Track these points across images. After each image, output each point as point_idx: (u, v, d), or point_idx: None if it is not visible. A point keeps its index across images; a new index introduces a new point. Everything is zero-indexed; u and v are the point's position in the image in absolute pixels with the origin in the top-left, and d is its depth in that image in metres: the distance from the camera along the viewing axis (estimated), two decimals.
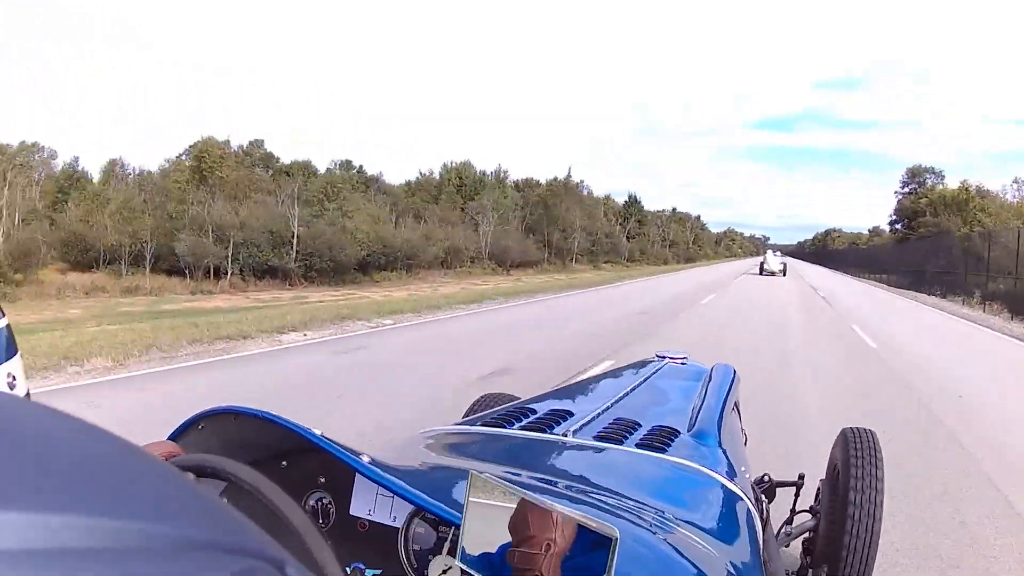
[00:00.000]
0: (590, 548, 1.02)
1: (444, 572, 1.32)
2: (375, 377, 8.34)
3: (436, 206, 62.09)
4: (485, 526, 1.09)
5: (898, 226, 70.74)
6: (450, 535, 1.33)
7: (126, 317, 22.70)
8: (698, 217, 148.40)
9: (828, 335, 14.92)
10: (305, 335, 12.00)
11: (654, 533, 1.48)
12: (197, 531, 0.44)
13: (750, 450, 3.08)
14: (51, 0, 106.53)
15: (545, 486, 1.66)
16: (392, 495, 1.39)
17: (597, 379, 3.84)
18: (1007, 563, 4.08)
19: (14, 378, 2.06)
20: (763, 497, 2.80)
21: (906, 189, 71.82)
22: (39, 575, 0.35)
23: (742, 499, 2.00)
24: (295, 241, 40.72)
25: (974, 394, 9.09)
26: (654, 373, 3.50)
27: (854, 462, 3.06)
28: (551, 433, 2.21)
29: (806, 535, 3.42)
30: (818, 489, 3.60)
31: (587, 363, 8.99)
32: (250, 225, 40.85)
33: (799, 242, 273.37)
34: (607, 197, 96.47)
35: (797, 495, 3.45)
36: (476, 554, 1.10)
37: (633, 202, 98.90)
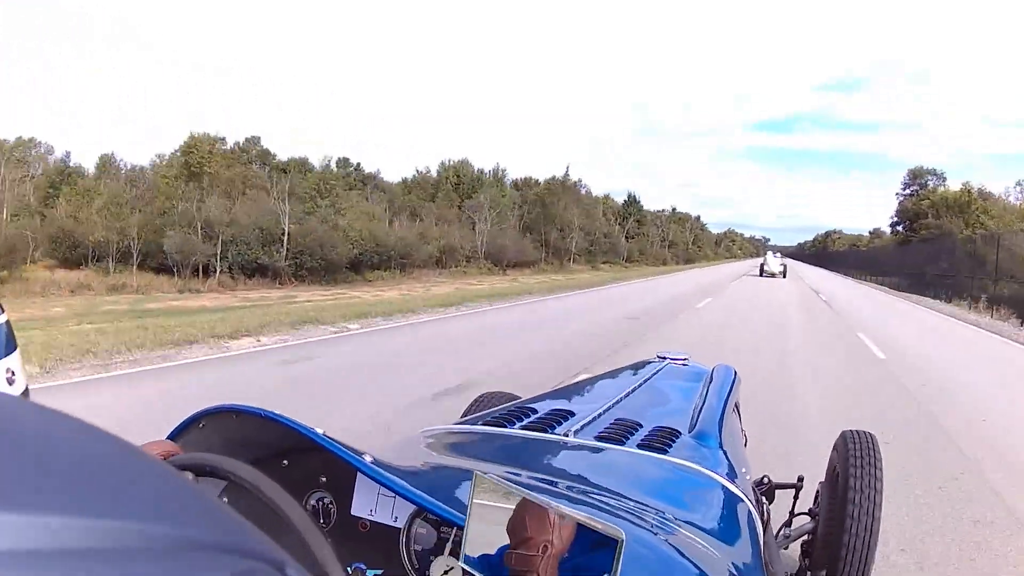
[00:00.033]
0: (591, 549, 1.04)
1: (446, 573, 1.32)
2: (309, 393, 7.66)
3: (433, 204, 61.27)
4: (487, 527, 1.10)
5: (899, 228, 70.32)
6: (452, 536, 1.33)
7: (108, 316, 22.15)
8: (698, 218, 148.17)
9: (833, 344, 14.04)
10: (259, 340, 11.25)
11: (655, 534, 1.48)
12: (197, 531, 0.44)
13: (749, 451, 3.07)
14: None
15: (546, 486, 1.66)
16: (394, 495, 1.39)
17: (598, 379, 3.71)
18: None
19: (13, 373, 1.98)
20: (763, 499, 2.82)
21: (907, 191, 71.51)
22: (39, 575, 0.35)
23: (743, 501, 2.00)
24: (286, 239, 39.86)
25: (1000, 421, 8.10)
26: (655, 374, 3.51)
27: (853, 465, 3.05)
28: (552, 433, 2.20)
29: (805, 537, 3.43)
30: (817, 491, 3.59)
31: (555, 381, 7.37)
32: (240, 222, 40.03)
33: (799, 243, 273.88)
34: (606, 197, 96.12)
35: (796, 497, 3.46)
36: (478, 555, 1.11)
37: (632, 202, 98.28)
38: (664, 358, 3.94)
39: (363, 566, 1.37)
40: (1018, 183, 58.74)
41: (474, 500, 1.12)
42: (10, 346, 2.17)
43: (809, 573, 3.25)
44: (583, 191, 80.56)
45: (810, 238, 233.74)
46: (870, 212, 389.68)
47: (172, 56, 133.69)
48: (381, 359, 10.26)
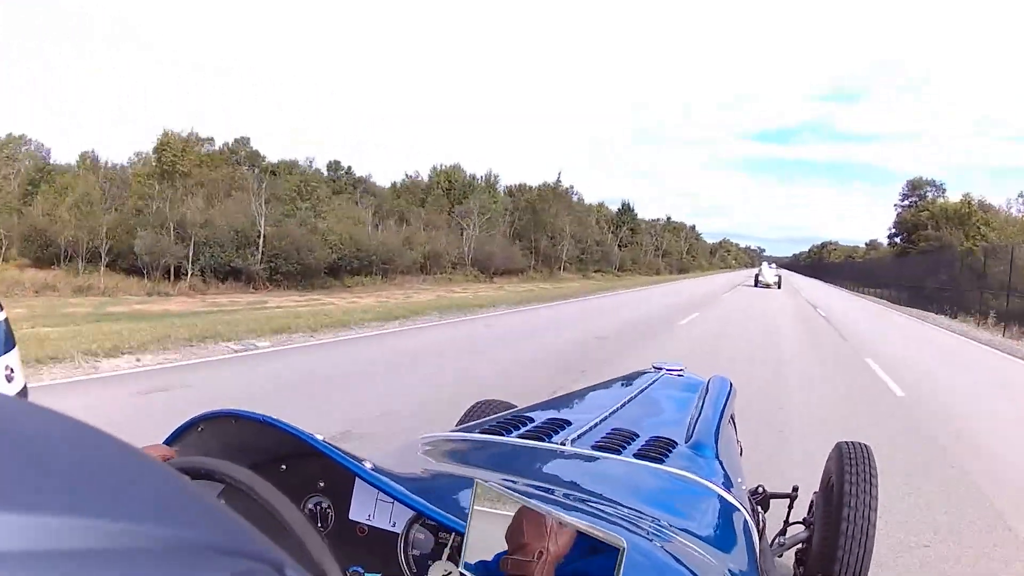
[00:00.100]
0: (589, 556, 1.06)
1: None
2: (136, 435, 6.03)
3: (422, 209, 59.81)
4: (486, 533, 1.12)
5: (897, 239, 69.50)
6: (450, 541, 1.35)
7: (62, 319, 21.09)
8: (693, 227, 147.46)
9: (840, 376, 11.86)
10: (138, 360, 9.61)
11: (652, 541, 1.48)
12: (196, 533, 0.44)
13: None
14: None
15: (544, 494, 1.66)
16: (392, 501, 1.41)
17: (594, 389, 3.66)
18: None
19: (12, 371, 1.90)
20: (759, 508, 2.84)
21: (906, 202, 70.72)
22: (39, 575, 0.35)
23: (739, 509, 2.02)
24: (261, 241, 38.28)
25: None
26: (651, 384, 3.51)
27: (849, 475, 3.05)
28: (549, 442, 2.21)
29: (799, 546, 3.42)
30: (812, 501, 3.59)
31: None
32: (216, 223, 38.49)
33: (794, 254, 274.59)
34: (600, 205, 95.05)
35: (791, 506, 3.46)
36: (476, 561, 1.13)
37: (626, 210, 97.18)
38: (660, 368, 3.93)
39: (361, 569, 1.35)
40: (1020, 195, 57.47)
41: (475, 507, 1.13)
42: (9, 344, 2.01)
43: None
44: (575, 198, 79.25)
45: (805, 249, 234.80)
46: (866, 224, 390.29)
47: (168, 56, 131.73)
48: (257, 390, 8.43)
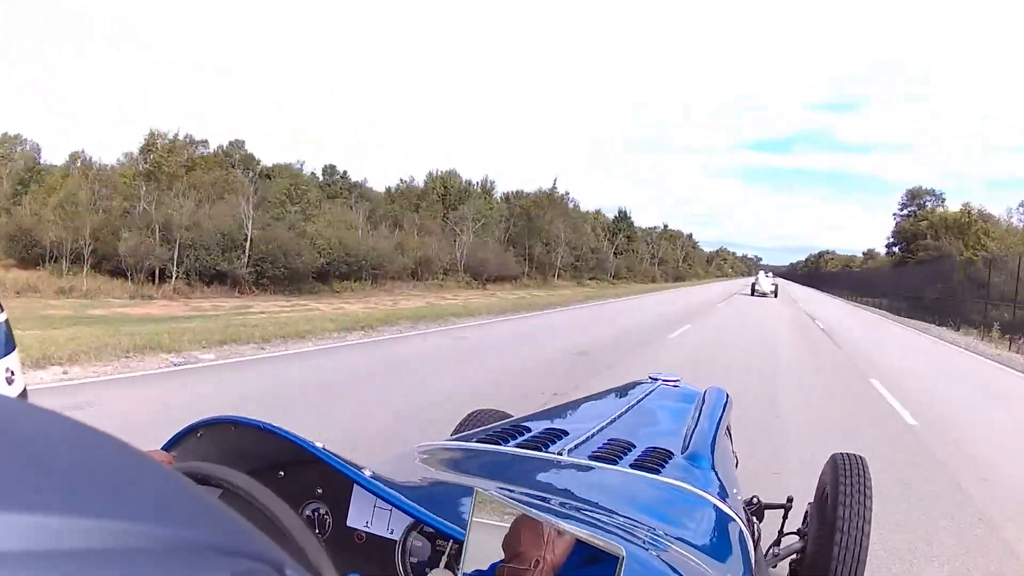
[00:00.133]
0: (587, 565, 1.07)
1: None
2: None
3: (416, 215, 59.15)
4: (485, 542, 1.12)
5: (896, 249, 69.00)
6: (447, 548, 1.37)
7: (38, 322, 20.29)
8: (690, 235, 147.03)
9: (843, 400, 10.70)
10: (65, 372, 8.79)
11: (647, 550, 1.49)
12: (196, 533, 0.44)
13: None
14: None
15: (540, 503, 1.67)
16: (390, 508, 1.42)
17: (591, 399, 3.58)
18: None
19: (12, 373, 1.84)
20: (754, 518, 2.85)
21: (905, 211, 70.23)
22: (39, 575, 0.35)
23: (734, 520, 2.03)
24: (248, 245, 37.54)
25: None
26: (648, 395, 3.49)
27: (843, 486, 3.06)
28: (546, 452, 2.21)
29: (794, 556, 3.43)
30: (806, 512, 3.58)
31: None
32: (203, 226, 37.78)
33: (791, 263, 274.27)
34: (597, 212, 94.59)
35: (785, 517, 3.45)
36: (474, 569, 1.13)
37: (623, 217, 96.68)
38: (656, 379, 3.89)
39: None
40: (1022, 204, 57.02)
41: (474, 515, 1.12)
42: (9, 345, 1.92)
43: None
44: (571, 205, 78.59)
45: (802, 258, 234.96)
46: (863, 233, 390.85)
47: (165, 57, 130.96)
48: (163, 415, 7.17)
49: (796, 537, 3.49)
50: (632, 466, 2.16)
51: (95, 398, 7.66)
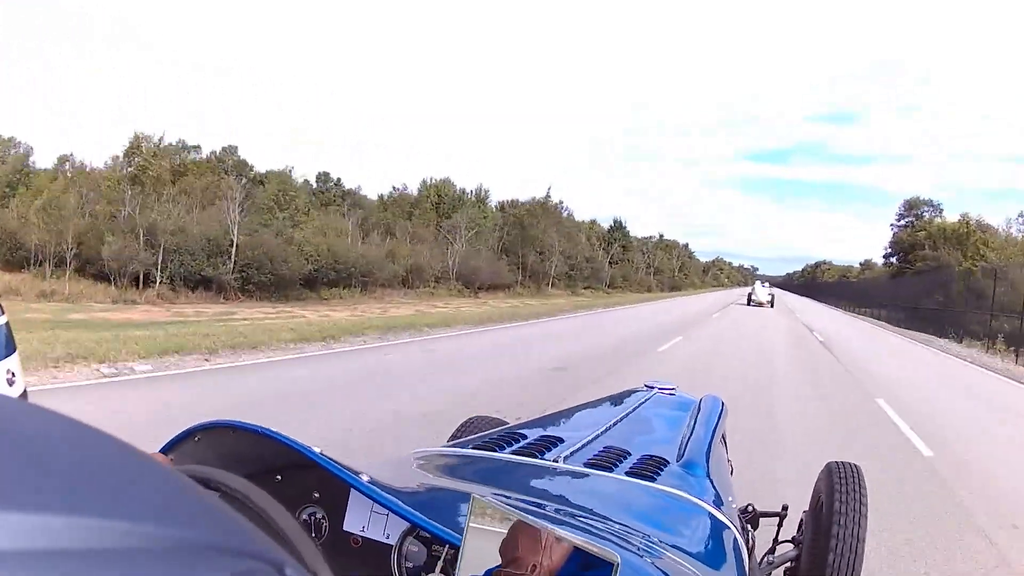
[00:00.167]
0: (582, 571, 1.07)
1: None
2: None
3: (409, 223, 58.50)
4: (482, 547, 1.13)
5: (893, 259, 68.72)
6: (443, 554, 1.37)
7: (19, 326, 19.56)
8: (686, 245, 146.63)
9: (848, 425, 9.71)
10: None
11: (642, 557, 1.50)
12: (196, 532, 0.44)
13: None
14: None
15: (536, 509, 1.67)
16: (387, 512, 1.43)
17: (587, 407, 3.57)
18: None
19: (13, 374, 1.90)
20: (748, 526, 2.84)
21: (903, 222, 70.03)
22: (39, 575, 0.35)
23: (729, 527, 2.04)
24: (233, 250, 36.79)
25: None
26: (643, 403, 3.51)
27: (838, 494, 3.04)
28: (542, 459, 2.21)
29: (788, 564, 3.39)
30: (801, 520, 3.57)
31: None
32: (190, 231, 37.13)
33: (788, 273, 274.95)
34: (592, 222, 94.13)
35: (780, 525, 3.42)
36: (469, 574, 1.14)
37: (618, 227, 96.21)
38: (652, 387, 3.87)
39: None
40: (1021, 214, 56.50)
41: (471, 520, 1.13)
42: (10, 348, 1.99)
43: None
44: (565, 214, 77.91)
45: (799, 268, 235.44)
46: (860, 244, 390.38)
47: (162, 60, 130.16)
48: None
49: (791, 545, 3.45)
50: (628, 473, 2.15)
51: None
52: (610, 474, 2.14)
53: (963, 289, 34.97)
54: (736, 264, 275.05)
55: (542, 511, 1.66)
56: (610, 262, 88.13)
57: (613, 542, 1.49)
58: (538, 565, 1.03)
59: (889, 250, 71.53)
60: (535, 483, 2.09)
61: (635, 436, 2.81)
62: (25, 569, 0.34)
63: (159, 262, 35.94)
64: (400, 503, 1.34)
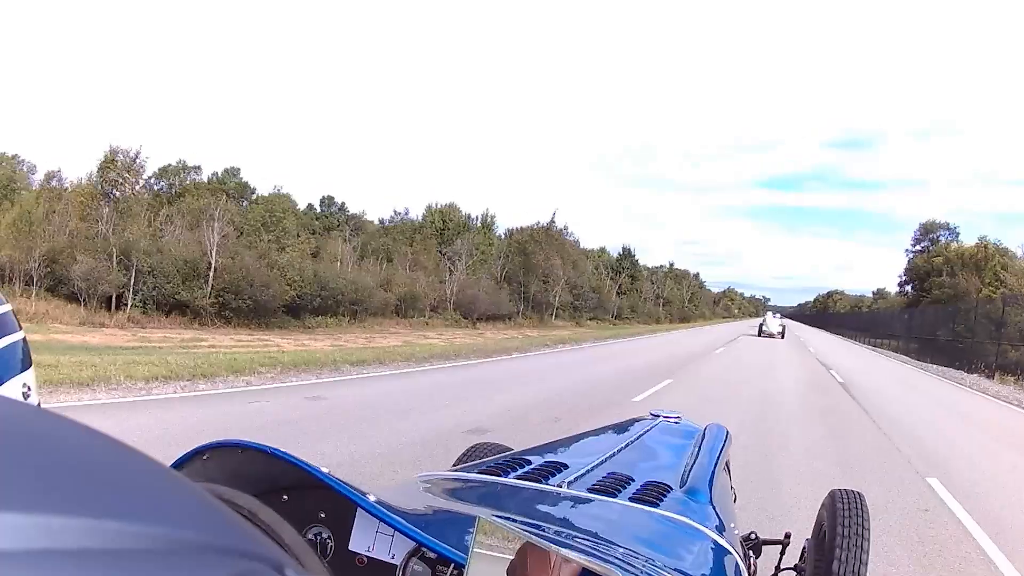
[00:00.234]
0: None
1: None
2: None
3: (410, 248, 56.86)
4: (486, 567, 1.18)
5: (908, 287, 66.83)
6: (448, 574, 1.41)
7: None
8: (696, 275, 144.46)
9: (894, 529, 6.68)
10: None
11: None
12: (196, 533, 0.44)
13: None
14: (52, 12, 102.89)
15: (541, 532, 1.68)
16: (392, 532, 1.48)
17: (591, 434, 3.56)
18: None
19: (29, 388, 1.67)
20: (751, 553, 2.92)
21: (918, 247, 68.14)
22: (38, 575, 0.35)
23: (731, 553, 2.03)
24: (211, 274, 34.99)
25: None
26: (648, 430, 3.52)
27: (841, 521, 3.04)
28: (546, 483, 2.21)
29: None
30: (803, 548, 3.56)
31: None
32: (165, 252, 35.52)
33: (799, 304, 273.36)
34: (602, 251, 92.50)
35: (783, 553, 3.47)
36: None
37: (627, 255, 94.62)
38: (657, 415, 3.89)
39: None
40: None
41: (476, 541, 1.18)
42: (26, 362, 1.72)
43: None
44: (571, 240, 75.83)
45: (811, 299, 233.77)
46: (872, 272, 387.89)
47: (174, 78, 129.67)
48: None
49: (793, 573, 3.46)
50: (631, 499, 2.14)
51: None
52: (613, 499, 2.12)
53: (982, 317, 33.14)
54: (748, 295, 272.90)
55: (546, 534, 1.65)
56: (618, 292, 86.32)
57: (617, 565, 1.46)
58: None
59: (904, 277, 70.18)
60: (539, 507, 2.03)
61: (639, 463, 2.80)
62: (26, 569, 0.34)
63: (131, 283, 34.35)
64: (404, 522, 1.37)
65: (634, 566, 1.54)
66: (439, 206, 67.13)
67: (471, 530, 1.20)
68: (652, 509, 2.08)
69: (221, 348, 24.13)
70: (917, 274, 63.98)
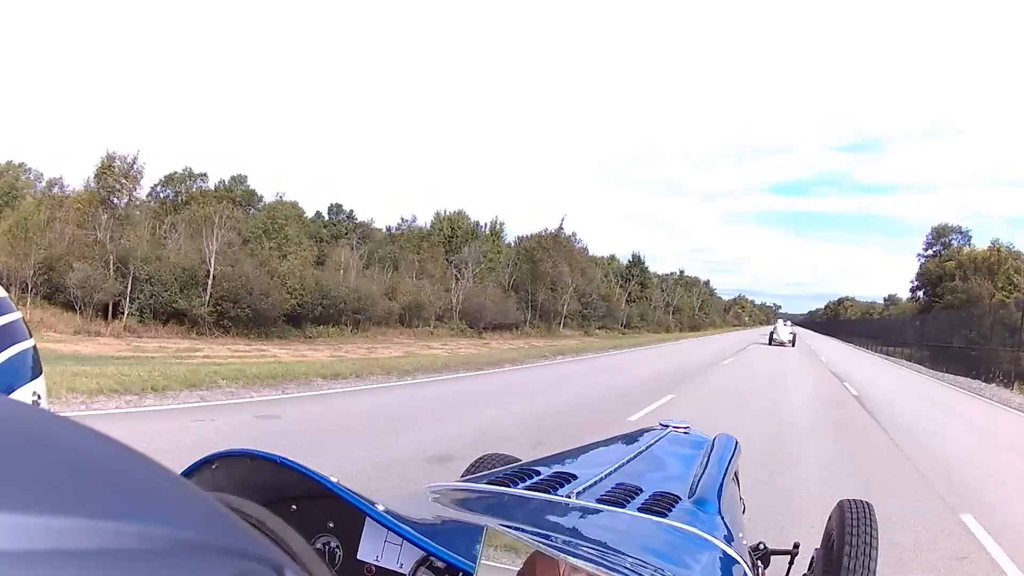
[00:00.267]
0: None
1: None
2: None
3: (417, 256, 56.27)
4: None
5: (920, 292, 66.05)
6: None
7: None
8: (707, 283, 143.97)
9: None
10: None
11: None
12: (196, 533, 0.44)
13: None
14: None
15: (549, 542, 1.61)
16: (401, 542, 1.48)
17: (600, 445, 3.54)
18: None
19: (39, 396, 1.64)
20: (759, 563, 2.90)
21: (930, 251, 67.24)
22: (38, 575, 0.35)
23: (739, 563, 2.05)
24: (210, 282, 34.49)
25: None
26: (657, 441, 3.51)
27: (849, 531, 3.05)
28: (555, 494, 2.23)
29: None
30: (812, 558, 3.56)
31: None
32: (164, 260, 35.15)
33: (810, 311, 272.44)
34: (612, 258, 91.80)
35: (792, 563, 3.41)
36: None
37: (636, 263, 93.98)
38: (667, 426, 3.85)
39: None
40: None
41: (485, 551, 1.17)
42: (36, 370, 1.66)
43: None
44: (579, 247, 75.11)
45: (821, 305, 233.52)
46: (883, 278, 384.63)
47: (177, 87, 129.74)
48: None
49: None
50: (639, 509, 2.15)
51: None
52: (622, 510, 2.13)
53: (996, 323, 32.44)
54: (758, 302, 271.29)
55: (555, 544, 1.62)
56: (628, 300, 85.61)
57: (626, 575, 1.48)
58: None
59: (916, 283, 69.20)
60: (548, 517, 2.06)
61: (647, 473, 2.79)
62: (25, 569, 0.34)
63: (128, 291, 33.90)
64: (413, 531, 1.37)
65: (641, 575, 1.55)
66: (448, 213, 66.46)
67: (480, 539, 1.18)
68: (661, 519, 2.09)
69: (216, 358, 23.78)
70: (929, 279, 63.23)
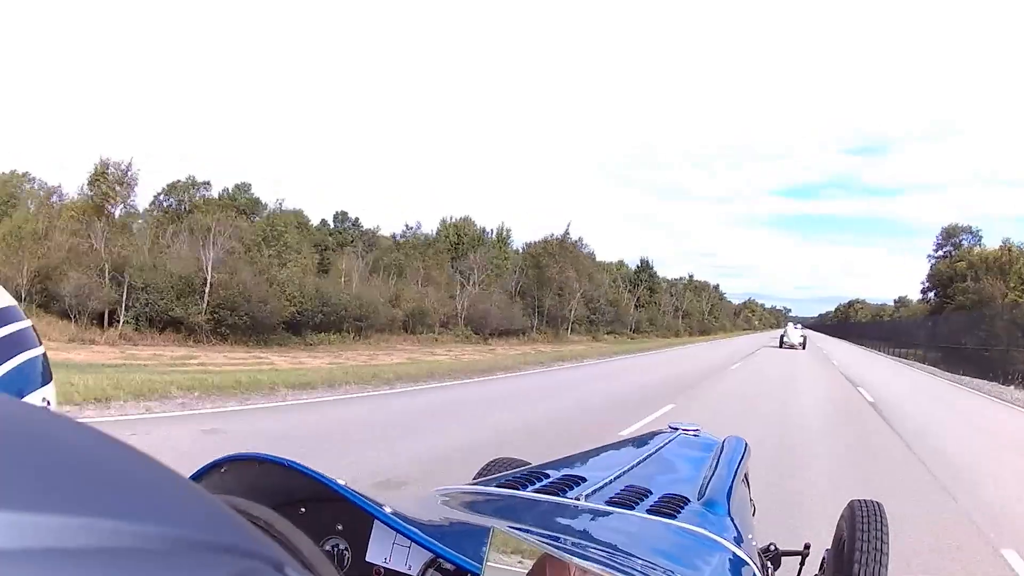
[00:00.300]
0: None
1: None
2: None
3: (422, 263, 55.77)
4: None
5: (931, 294, 65.27)
6: None
7: None
8: (716, 287, 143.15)
9: None
10: None
11: None
12: (196, 531, 0.44)
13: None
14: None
15: (558, 544, 1.67)
16: (409, 544, 1.48)
17: (610, 447, 3.56)
18: None
19: (49, 403, 1.59)
20: (769, 564, 2.89)
21: (940, 252, 66.31)
22: (38, 575, 0.35)
23: (749, 564, 2.04)
24: (207, 289, 34.08)
25: None
26: (666, 443, 3.47)
27: (860, 532, 2.98)
28: (564, 496, 2.22)
29: None
30: (823, 559, 3.51)
31: None
32: (160, 268, 34.78)
33: (820, 314, 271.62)
34: (620, 263, 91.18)
35: (802, 564, 3.36)
36: None
37: (645, 267, 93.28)
38: (676, 428, 3.81)
39: None
40: None
41: (491, 553, 1.19)
42: (46, 376, 1.61)
43: None
44: (586, 252, 74.21)
45: (831, 308, 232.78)
46: (893, 280, 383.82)
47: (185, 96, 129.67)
48: None
49: None
50: (648, 511, 2.14)
51: None
52: (631, 512, 2.12)
53: (1009, 323, 31.83)
54: (768, 306, 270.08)
55: (564, 546, 1.65)
56: (636, 305, 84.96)
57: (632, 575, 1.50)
58: None
59: (926, 284, 68.43)
60: (557, 519, 2.06)
61: (657, 475, 2.77)
62: (25, 568, 0.34)
63: (123, 300, 33.53)
64: (421, 533, 1.38)
65: None
66: (454, 220, 66.26)
67: (487, 541, 1.19)
68: (670, 521, 2.09)
69: (211, 366, 23.49)
70: (940, 280, 62.40)
